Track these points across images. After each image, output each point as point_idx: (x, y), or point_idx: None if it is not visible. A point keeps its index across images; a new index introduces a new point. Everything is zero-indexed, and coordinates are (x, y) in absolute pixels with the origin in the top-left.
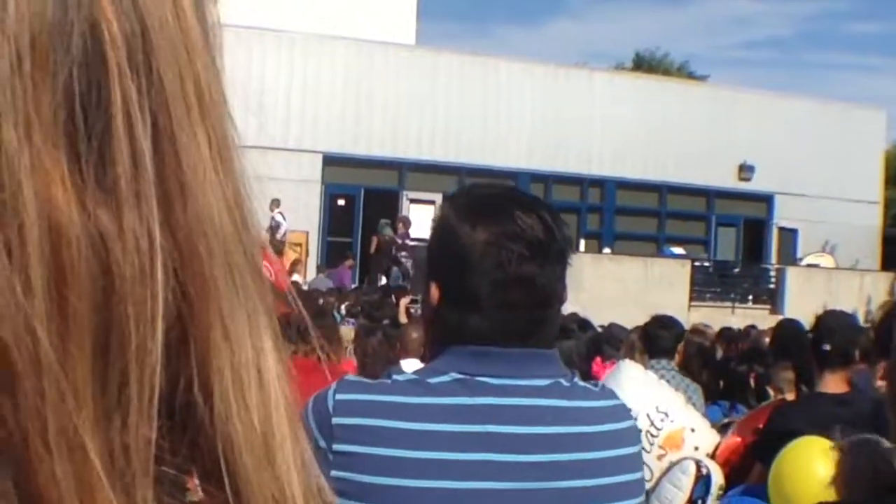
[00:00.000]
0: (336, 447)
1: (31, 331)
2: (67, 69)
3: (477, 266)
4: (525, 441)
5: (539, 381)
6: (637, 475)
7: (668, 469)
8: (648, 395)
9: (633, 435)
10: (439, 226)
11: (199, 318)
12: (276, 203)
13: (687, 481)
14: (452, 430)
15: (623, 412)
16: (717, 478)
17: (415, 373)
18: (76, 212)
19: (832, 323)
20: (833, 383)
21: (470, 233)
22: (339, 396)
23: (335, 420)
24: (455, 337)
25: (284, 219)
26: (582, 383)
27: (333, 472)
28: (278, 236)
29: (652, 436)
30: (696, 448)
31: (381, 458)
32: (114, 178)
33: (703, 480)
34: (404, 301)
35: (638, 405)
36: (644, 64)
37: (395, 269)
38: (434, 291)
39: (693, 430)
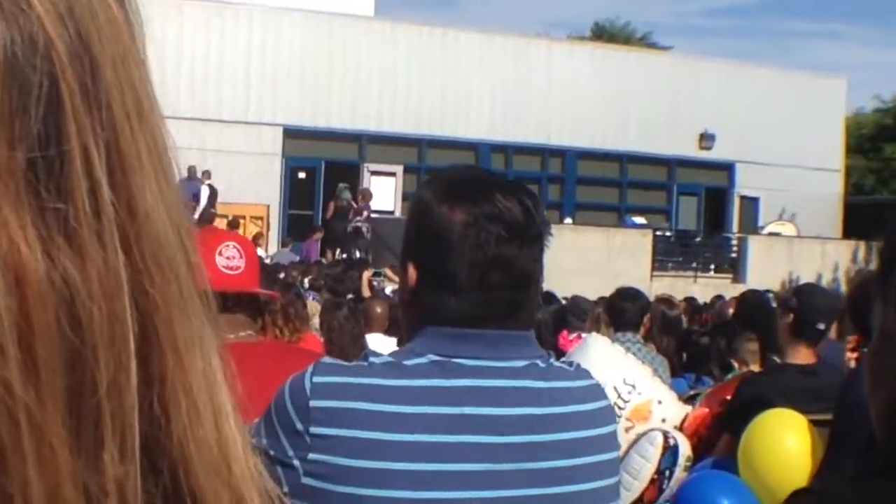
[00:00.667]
0: (313, 430)
1: (9, 390)
2: (25, 109)
3: (455, 247)
4: (502, 422)
5: (515, 362)
6: (613, 454)
7: (636, 440)
8: (615, 367)
9: (608, 415)
10: (417, 207)
11: (155, 344)
12: (206, 175)
13: (654, 452)
14: (429, 412)
15: (598, 392)
16: (685, 449)
17: (391, 355)
18: (41, 262)
19: (827, 302)
20: (803, 355)
21: (448, 214)
22: (316, 379)
23: (312, 403)
24: (432, 318)
25: (213, 191)
26: (557, 364)
27: (311, 455)
28: (202, 206)
29: (619, 408)
30: (664, 420)
31: (359, 440)
32: (75, 219)
33: (670, 451)
34: (367, 274)
35: (605, 378)
36: (604, 34)
37: (357, 241)
38: (411, 272)
39: (660, 402)
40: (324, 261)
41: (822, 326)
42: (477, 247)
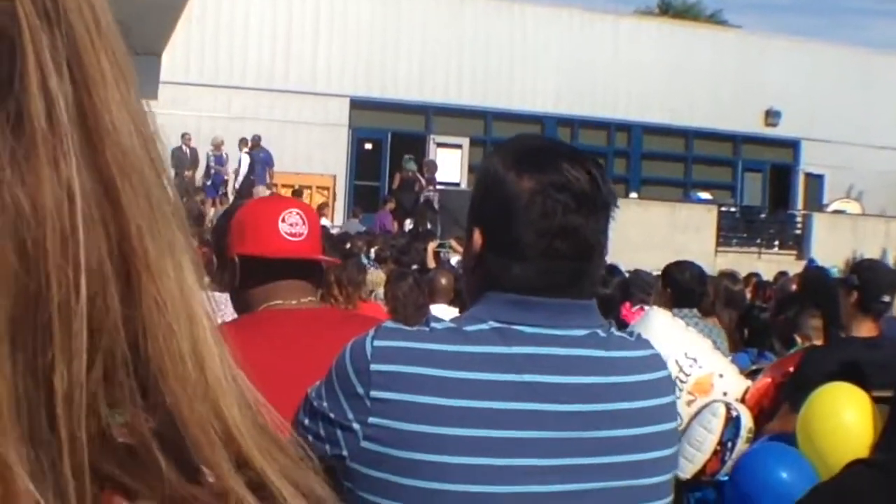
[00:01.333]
0: (374, 394)
1: None
2: None
3: (522, 214)
4: (562, 390)
5: (576, 331)
6: (673, 424)
7: (698, 412)
8: (677, 341)
9: (668, 384)
10: (485, 173)
11: (127, 256)
12: (245, 143)
13: (717, 423)
14: (489, 378)
15: (658, 362)
16: (747, 421)
17: (452, 320)
18: None
19: (889, 276)
20: (866, 328)
21: (517, 181)
22: (377, 343)
23: (373, 367)
24: (495, 284)
25: (261, 160)
26: (618, 333)
27: (371, 419)
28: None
29: (681, 381)
30: (725, 393)
31: (419, 405)
32: (30, 138)
33: (733, 422)
34: (432, 245)
35: (666, 351)
36: (670, 10)
37: (428, 212)
38: (477, 238)
39: (721, 376)
40: (390, 232)
41: (887, 299)
42: (543, 215)
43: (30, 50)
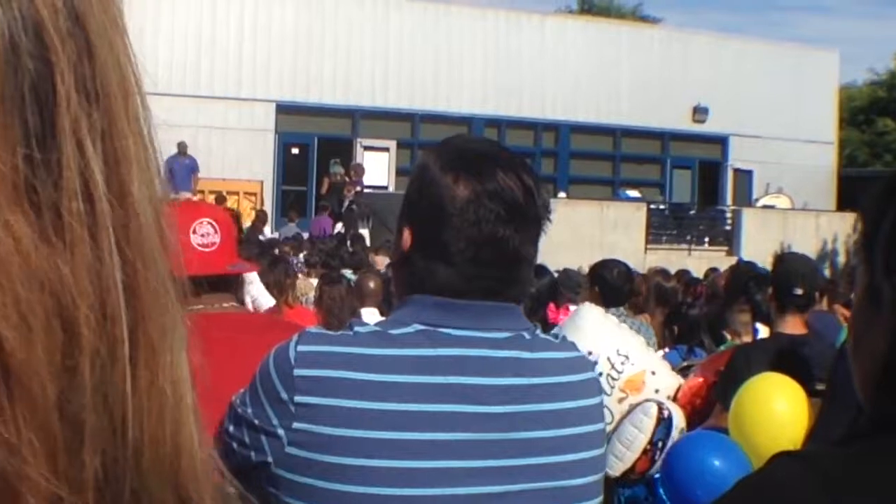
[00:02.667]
0: (298, 399)
1: None
2: (20, 97)
3: (453, 220)
4: (487, 392)
5: (501, 333)
6: (598, 426)
7: (630, 411)
8: (608, 337)
9: (594, 386)
10: (422, 173)
11: (134, 342)
12: (176, 148)
13: (649, 423)
14: (415, 381)
15: (584, 363)
16: (679, 421)
17: (377, 324)
18: (34, 258)
19: (801, 267)
20: (793, 325)
21: (451, 186)
22: (300, 348)
23: (297, 372)
24: (421, 285)
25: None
26: (543, 335)
27: (295, 424)
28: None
29: (612, 379)
30: (657, 391)
31: (344, 409)
32: (69, 215)
33: (664, 422)
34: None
35: (598, 348)
36: (592, 8)
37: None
38: (406, 236)
39: (654, 373)
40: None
41: (799, 291)
42: (474, 223)
43: (66, 123)
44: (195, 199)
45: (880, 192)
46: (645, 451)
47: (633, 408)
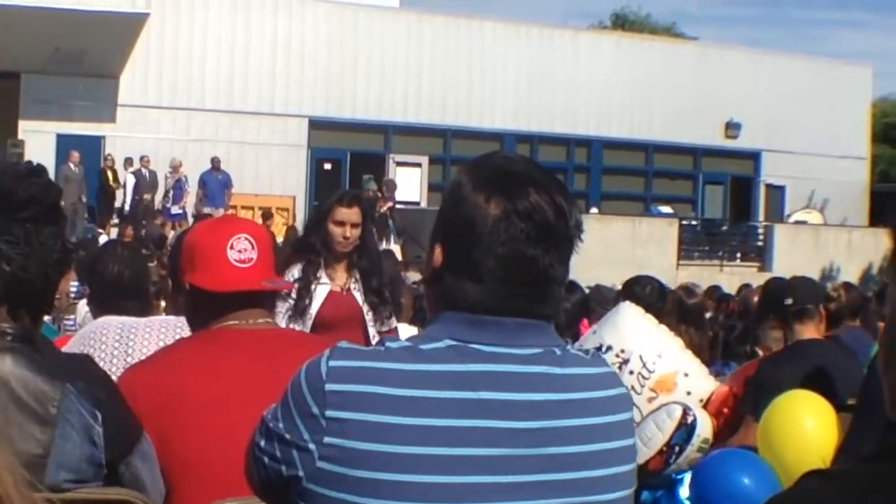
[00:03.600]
0: (329, 413)
1: None
2: None
3: (484, 238)
4: (518, 407)
5: (532, 349)
6: (629, 441)
7: (656, 409)
8: (644, 336)
9: (624, 401)
10: (454, 190)
11: None
12: (210, 163)
13: (670, 424)
14: (445, 396)
15: (614, 379)
16: (704, 430)
17: (408, 339)
18: None
19: (787, 281)
20: (808, 332)
21: (483, 204)
22: (332, 363)
23: (328, 386)
24: (452, 302)
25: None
26: (574, 351)
27: (326, 439)
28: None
29: (643, 377)
30: (689, 393)
31: (374, 424)
32: None
33: (686, 427)
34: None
35: (632, 345)
36: (625, 23)
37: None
38: (438, 253)
39: (686, 375)
40: None
41: (789, 301)
42: (505, 242)
43: None
44: (229, 213)
45: None
46: (661, 452)
47: (660, 407)
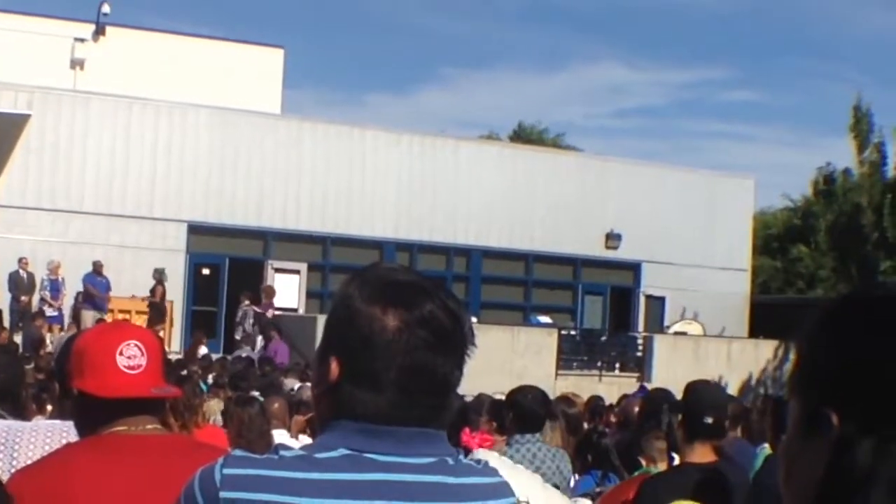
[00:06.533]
0: None
1: None
2: None
3: (384, 349)
4: None
5: (426, 458)
6: None
7: None
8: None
9: None
10: (345, 304)
11: None
12: (92, 266)
13: None
14: None
15: (506, 489)
16: None
17: (303, 448)
18: None
19: (710, 396)
20: (702, 454)
21: (380, 316)
22: (226, 471)
23: (223, 494)
24: (348, 412)
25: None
26: (466, 461)
27: None
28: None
29: None
30: None
31: None
32: None
33: None
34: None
35: None
36: (524, 134)
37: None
38: (334, 367)
39: None
40: (229, 357)
41: (709, 420)
42: (406, 351)
43: None
44: (108, 318)
45: (814, 323)
46: None
47: None
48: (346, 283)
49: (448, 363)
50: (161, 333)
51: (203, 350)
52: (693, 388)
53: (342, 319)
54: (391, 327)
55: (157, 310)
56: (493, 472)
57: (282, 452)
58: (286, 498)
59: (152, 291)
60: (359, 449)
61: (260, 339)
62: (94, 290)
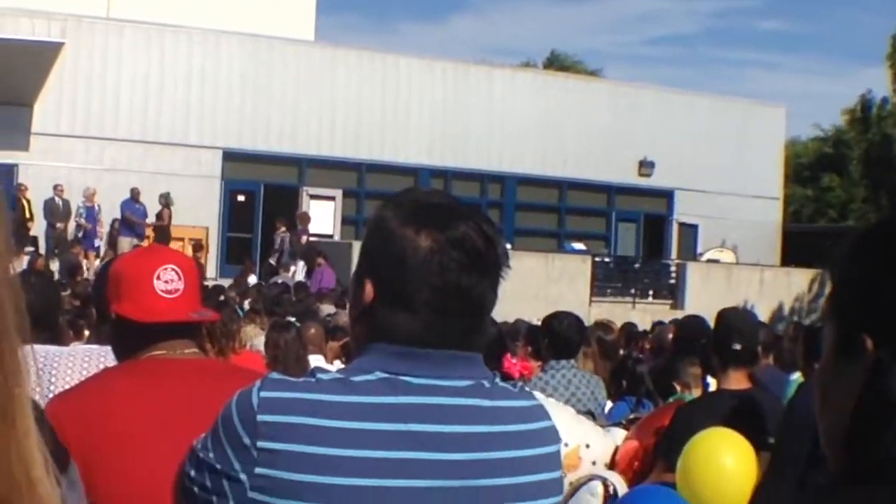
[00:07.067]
0: (260, 444)
1: None
2: None
3: (417, 270)
4: (448, 439)
5: (461, 381)
6: (556, 474)
7: (575, 490)
8: None
9: (551, 434)
10: (380, 226)
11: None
12: (129, 193)
13: (597, 503)
14: (376, 428)
15: (541, 412)
16: (623, 491)
17: (339, 371)
18: None
19: (739, 322)
20: (736, 380)
21: (413, 237)
22: (263, 394)
23: (260, 417)
24: (384, 335)
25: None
26: (502, 384)
27: (258, 469)
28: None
29: None
30: (594, 462)
31: (306, 455)
32: None
33: (611, 500)
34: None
35: None
36: (558, 62)
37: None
38: (368, 289)
39: (588, 446)
40: (264, 284)
41: (738, 347)
42: (438, 272)
43: None
44: (144, 244)
45: (848, 249)
46: None
47: (574, 487)
48: (382, 207)
49: (481, 285)
50: (202, 260)
51: (252, 279)
52: (722, 315)
53: (376, 242)
54: (424, 248)
55: (163, 233)
56: (529, 395)
57: (318, 375)
58: (323, 421)
59: (159, 215)
60: (395, 372)
61: (301, 265)
62: (133, 217)
